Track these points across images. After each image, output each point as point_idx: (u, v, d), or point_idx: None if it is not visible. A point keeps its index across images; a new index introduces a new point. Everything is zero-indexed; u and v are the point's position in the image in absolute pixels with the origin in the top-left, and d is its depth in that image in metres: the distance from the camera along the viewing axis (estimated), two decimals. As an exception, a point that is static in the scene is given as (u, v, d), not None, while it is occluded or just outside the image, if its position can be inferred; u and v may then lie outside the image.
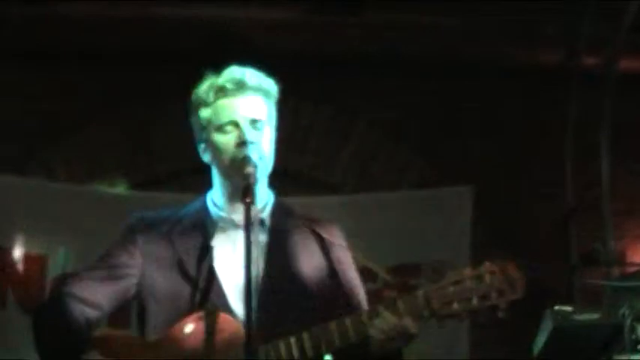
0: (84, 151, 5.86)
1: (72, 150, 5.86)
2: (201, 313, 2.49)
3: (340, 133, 6.17)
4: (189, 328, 2.51)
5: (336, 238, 2.70)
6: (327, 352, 2.47)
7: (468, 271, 2.47)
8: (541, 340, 3.44)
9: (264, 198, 2.68)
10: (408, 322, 2.44)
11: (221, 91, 2.63)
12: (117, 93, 5.87)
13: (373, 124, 6.17)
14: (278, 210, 2.70)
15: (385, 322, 2.44)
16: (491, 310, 2.45)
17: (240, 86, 2.63)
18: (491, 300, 2.44)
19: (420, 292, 2.46)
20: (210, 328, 2.48)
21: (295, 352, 2.44)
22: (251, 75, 2.66)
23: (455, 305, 2.44)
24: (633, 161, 6.08)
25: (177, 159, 5.78)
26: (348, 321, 2.46)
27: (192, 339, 2.49)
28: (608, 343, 3.39)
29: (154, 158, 5.93)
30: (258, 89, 2.65)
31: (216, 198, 2.69)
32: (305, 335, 2.45)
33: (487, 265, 2.47)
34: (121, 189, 5.76)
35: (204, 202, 2.71)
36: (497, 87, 6.15)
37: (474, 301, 2.44)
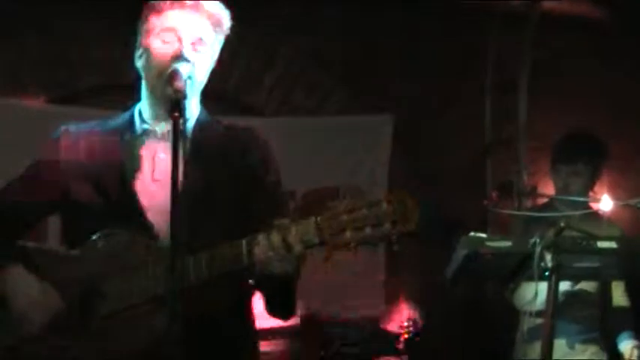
0: (3, 65, 5.73)
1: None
2: (113, 230, 2.50)
3: (264, 57, 6.16)
4: (101, 244, 2.51)
5: (258, 141, 2.69)
6: (221, 272, 2.40)
7: (364, 200, 2.35)
8: (454, 265, 3.48)
9: (191, 114, 2.64)
10: (294, 242, 2.35)
11: (177, 3, 2.59)
12: (38, 7, 5.73)
13: (298, 50, 6.17)
14: (202, 123, 2.67)
15: (270, 242, 2.36)
16: (385, 241, 2.35)
17: (197, 6, 2.59)
18: (383, 230, 2.33)
19: (312, 219, 2.35)
20: (121, 245, 2.49)
21: (192, 273, 2.39)
22: (211, 1, 2.63)
23: (347, 234, 2.33)
24: (549, 100, 6.21)
25: (98, 75, 5.71)
26: (242, 242, 2.39)
27: (104, 255, 2.49)
28: (517, 270, 3.46)
29: (74, 74, 5.84)
30: (211, 16, 2.61)
31: (143, 110, 2.66)
32: (203, 255, 2.40)
33: (385, 195, 2.35)
34: (41, 103, 5.67)
35: (132, 114, 2.68)
36: (420, 21, 6.19)
37: (367, 230, 2.33)
